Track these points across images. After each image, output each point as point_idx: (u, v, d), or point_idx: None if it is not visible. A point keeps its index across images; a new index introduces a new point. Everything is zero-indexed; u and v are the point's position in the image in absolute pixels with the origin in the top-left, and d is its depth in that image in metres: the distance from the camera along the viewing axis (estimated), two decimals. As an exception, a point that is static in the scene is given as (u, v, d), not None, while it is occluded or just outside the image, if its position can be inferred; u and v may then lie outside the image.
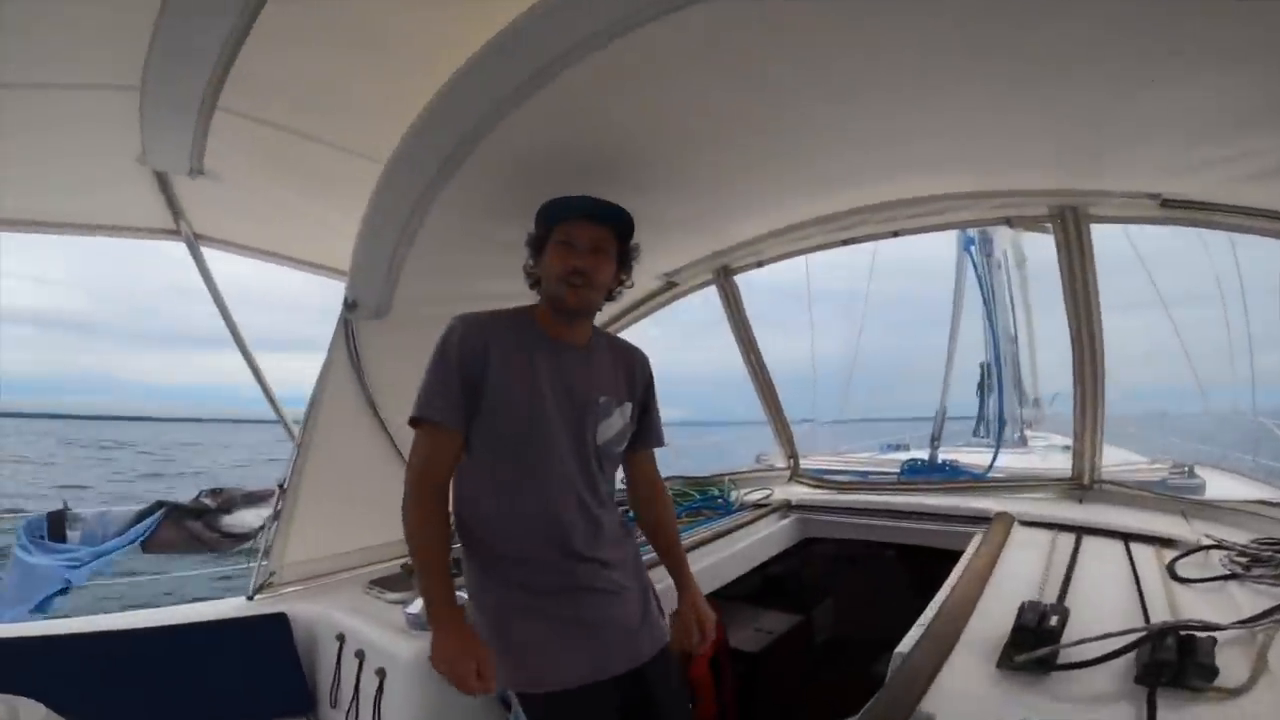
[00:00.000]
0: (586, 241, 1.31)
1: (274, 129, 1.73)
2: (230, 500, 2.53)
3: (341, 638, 1.56)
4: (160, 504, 2.43)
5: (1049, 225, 2.07)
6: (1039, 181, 1.99)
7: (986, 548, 1.72)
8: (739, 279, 2.63)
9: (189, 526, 2.42)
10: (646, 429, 1.48)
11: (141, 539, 2.31)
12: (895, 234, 2.29)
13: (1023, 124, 1.62)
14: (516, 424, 1.27)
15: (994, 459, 3.13)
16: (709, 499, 2.63)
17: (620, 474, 1.50)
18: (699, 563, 1.97)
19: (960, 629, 1.20)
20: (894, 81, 1.39)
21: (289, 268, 2.49)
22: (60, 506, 2.24)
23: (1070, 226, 2.03)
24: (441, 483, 1.25)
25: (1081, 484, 2.27)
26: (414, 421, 1.26)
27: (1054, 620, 1.10)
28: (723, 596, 2.06)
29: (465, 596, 1.46)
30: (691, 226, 2.15)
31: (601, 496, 1.36)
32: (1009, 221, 2.14)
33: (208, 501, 2.50)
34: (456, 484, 1.32)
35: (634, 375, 1.45)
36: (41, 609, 2.08)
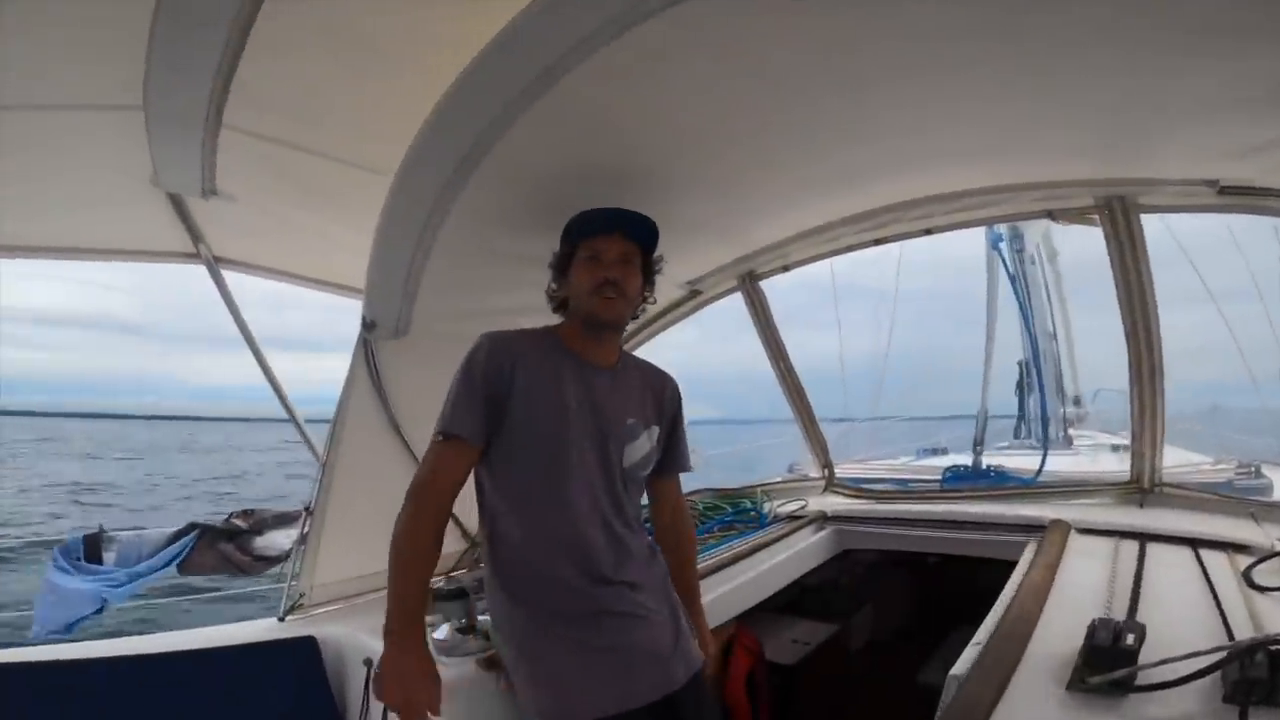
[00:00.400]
0: (615, 254, 1.29)
1: (278, 145, 1.72)
2: (261, 522, 2.53)
3: (369, 662, 1.52)
4: (193, 525, 2.43)
5: (1095, 217, 1.96)
6: (1083, 171, 1.90)
7: (1043, 558, 1.62)
8: (764, 283, 2.55)
9: (221, 549, 2.41)
10: (673, 454, 1.45)
11: (178, 561, 2.32)
12: (928, 231, 2.20)
13: (1063, 109, 1.53)
14: (542, 443, 1.24)
15: (1043, 463, 2.98)
16: (741, 512, 2.55)
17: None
18: (732, 580, 1.91)
19: (1022, 649, 1.12)
20: (917, 67, 1.32)
21: (309, 288, 2.49)
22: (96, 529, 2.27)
23: (1119, 217, 1.92)
24: (444, 496, 1.21)
25: (1141, 487, 2.14)
26: (437, 436, 1.23)
27: (1130, 638, 1.02)
28: (756, 609, 1.99)
29: (489, 619, 1.42)
30: (713, 231, 2.09)
31: (628, 518, 1.32)
32: (1051, 215, 2.03)
33: (239, 523, 2.50)
34: (483, 503, 1.29)
35: (662, 400, 1.42)
36: (72, 630, 2.08)
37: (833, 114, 1.48)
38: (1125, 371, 2.05)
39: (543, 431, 1.23)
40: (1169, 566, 1.54)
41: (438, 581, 1.52)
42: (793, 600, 2.51)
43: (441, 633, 1.45)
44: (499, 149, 1.31)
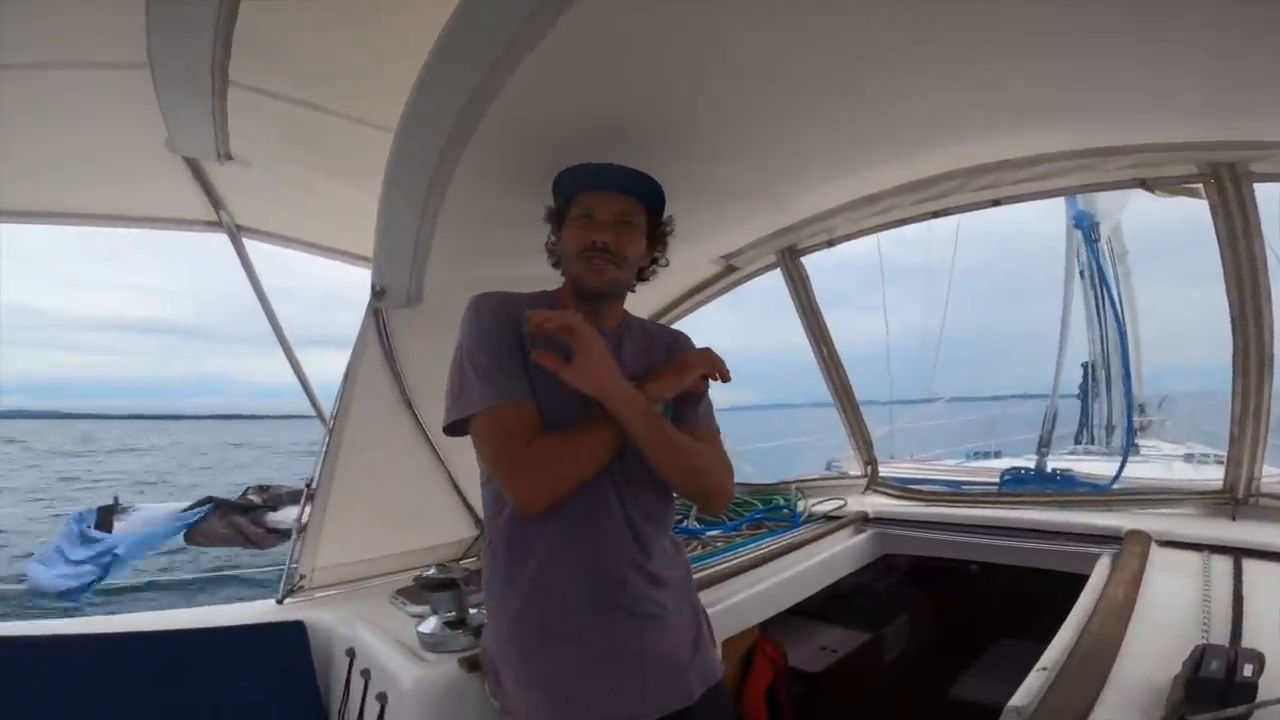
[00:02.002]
0: (609, 214, 1.14)
1: (291, 104, 1.63)
2: (276, 497, 2.51)
3: (351, 653, 1.42)
4: (209, 499, 2.42)
5: (1198, 187, 1.69)
6: (1184, 133, 1.63)
7: (1122, 573, 1.42)
8: (806, 260, 2.34)
9: (234, 521, 2.39)
10: (688, 413, 1.22)
11: (185, 530, 2.29)
12: (995, 203, 1.96)
13: (1165, 60, 1.30)
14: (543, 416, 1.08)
15: (1122, 466, 2.68)
16: (772, 509, 2.37)
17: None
18: (758, 583, 1.75)
19: (1102, 678, 0.96)
20: (991, 9, 1.11)
21: (332, 259, 2.42)
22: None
23: (1227, 186, 1.65)
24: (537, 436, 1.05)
25: (1235, 497, 1.87)
26: (453, 428, 1.08)
27: (1248, 669, 0.85)
28: (782, 612, 1.84)
29: (480, 614, 1.29)
30: (749, 199, 1.89)
31: (644, 502, 1.15)
32: (1144, 183, 1.77)
33: (254, 498, 2.49)
34: (486, 482, 1.16)
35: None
36: (74, 596, 2.07)
37: (890, 60, 1.27)
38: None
39: (545, 404, 1.08)
40: (1274, 587, 1.34)
41: (428, 570, 1.41)
42: (823, 605, 2.34)
43: (428, 626, 1.33)
44: (503, 100, 1.15)
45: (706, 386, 1.26)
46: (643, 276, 1.26)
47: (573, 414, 1.07)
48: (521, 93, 1.15)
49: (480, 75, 1.12)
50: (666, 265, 1.29)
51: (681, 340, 1.29)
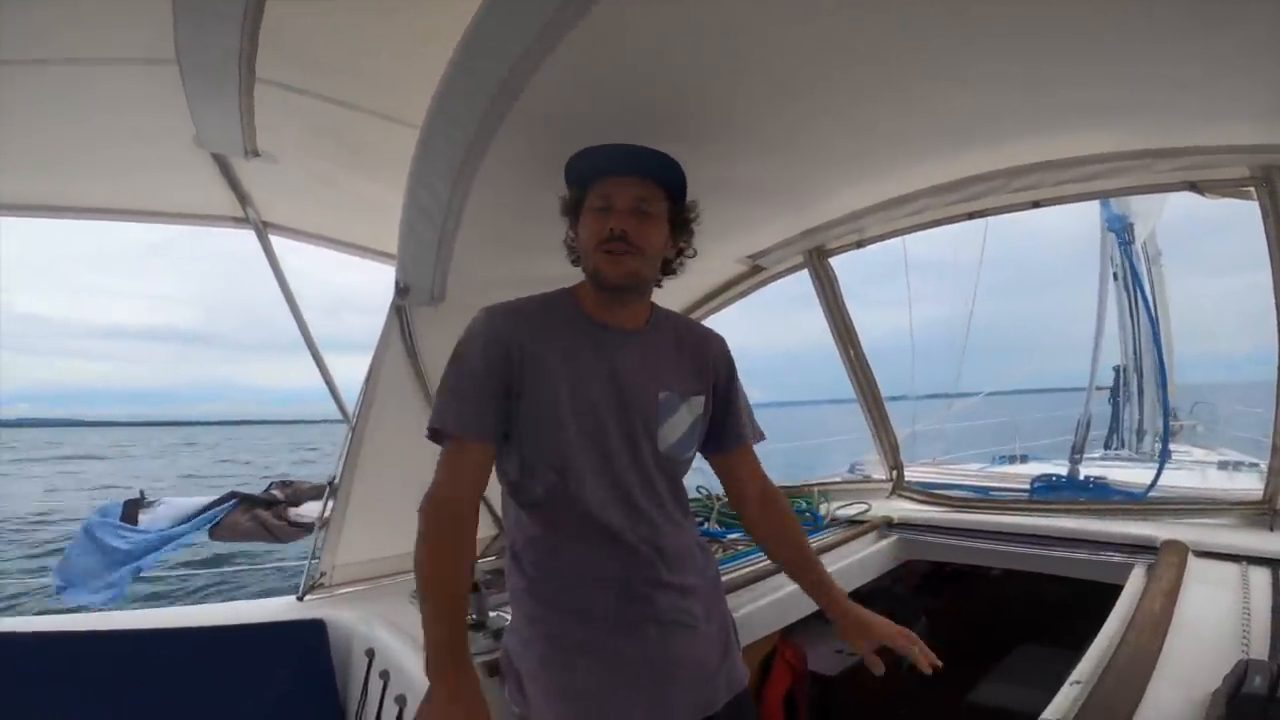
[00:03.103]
0: (626, 200, 1.07)
1: (318, 100, 1.62)
2: (299, 493, 2.51)
3: (371, 653, 1.42)
4: (232, 494, 2.44)
5: (1249, 189, 1.62)
6: (1237, 135, 1.56)
7: (1158, 585, 1.38)
8: (835, 260, 2.29)
9: (258, 515, 2.40)
10: (733, 423, 1.22)
11: (210, 525, 2.31)
12: (1036, 205, 1.89)
13: (1223, 62, 1.24)
14: (558, 428, 1.05)
15: (1158, 474, 2.61)
16: (795, 513, 2.33)
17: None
18: (778, 590, 1.71)
19: (1139, 693, 0.93)
20: (1042, 11, 1.07)
21: (358, 256, 2.42)
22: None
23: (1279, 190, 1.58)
24: (463, 510, 1.04)
25: (1275, 507, 1.81)
26: (432, 435, 1.06)
27: None
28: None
29: (500, 616, 1.28)
30: (777, 198, 1.84)
31: (667, 509, 1.12)
32: (1194, 186, 1.70)
33: (277, 493, 2.49)
34: (503, 499, 1.14)
35: (706, 362, 1.20)
36: (108, 590, 2.09)
37: (936, 61, 1.22)
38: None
39: (557, 414, 1.05)
40: None
41: None
42: None
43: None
44: (529, 94, 1.12)
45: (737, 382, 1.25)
46: (669, 270, 1.19)
47: (576, 408, 1.05)
48: (548, 86, 1.12)
49: (507, 69, 1.08)
50: (694, 256, 1.22)
51: (713, 340, 1.24)
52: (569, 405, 1.05)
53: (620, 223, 1.06)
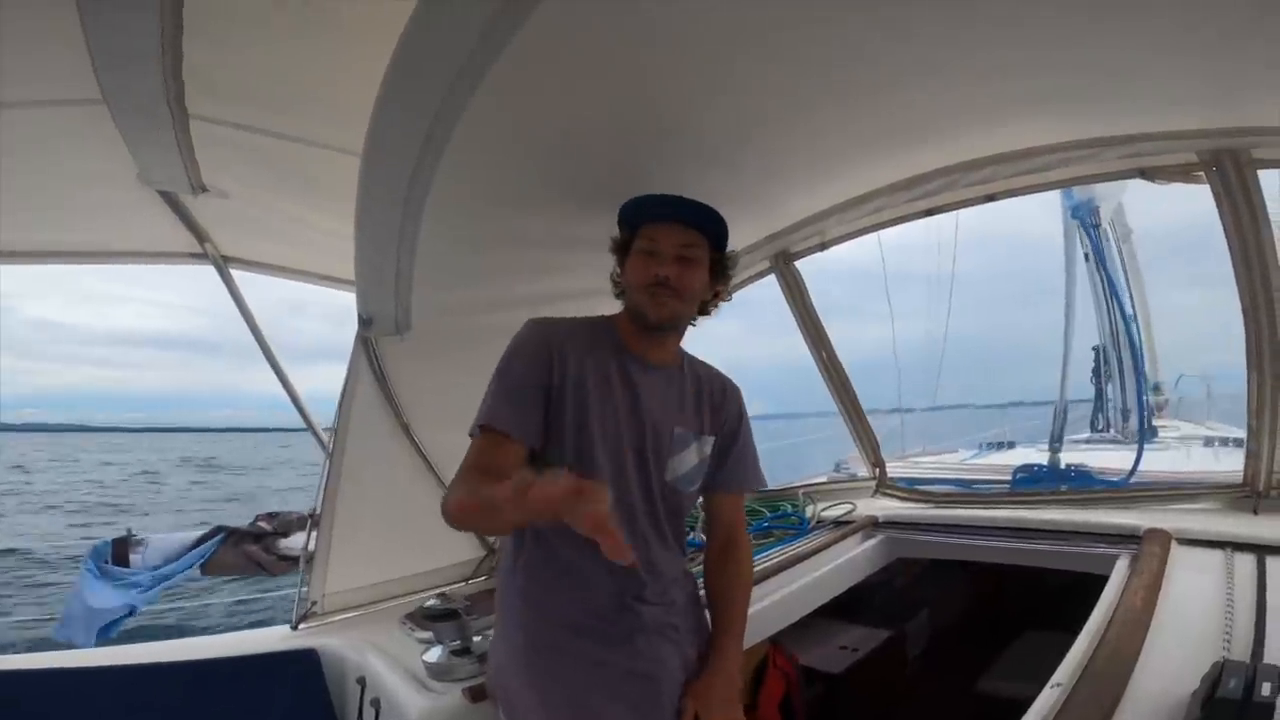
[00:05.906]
0: (672, 246, 1.16)
1: (256, 134, 1.61)
2: (286, 524, 2.51)
3: (362, 681, 1.42)
4: (220, 529, 2.44)
5: (1200, 175, 1.64)
6: (1185, 121, 1.59)
7: (1140, 578, 1.37)
8: (801, 264, 2.30)
9: (246, 550, 2.41)
10: (733, 467, 1.28)
11: (201, 562, 2.31)
12: (990, 198, 1.91)
13: (1159, 44, 1.26)
14: (580, 445, 1.11)
15: (1137, 462, 2.61)
16: (780, 516, 2.34)
17: None
18: (766, 596, 1.70)
19: (1117, 696, 0.92)
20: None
21: (321, 286, 2.42)
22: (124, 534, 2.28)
23: (1230, 174, 1.60)
24: (485, 475, 1.02)
25: (1256, 490, 1.81)
26: (474, 433, 1.09)
27: (1267, 688, 0.82)
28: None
29: (484, 641, 1.28)
30: (738, 204, 1.82)
31: (663, 532, 1.19)
32: (1144, 173, 1.71)
33: (264, 525, 2.49)
34: None
35: (722, 409, 1.28)
36: (107, 634, 2.10)
37: (874, 58, 1.24)
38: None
39: (584, 431, 1.11)
40: None
41: (430, 600, 1.40)
42: (841, 604, 2.31)
43: (433, 655, 1.32)
44: (472, 115, 1.12)
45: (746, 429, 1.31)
46: (705, 310, 1.26)
47: (596, 428, 1.11)
48: (492, 106, 1.12)
49: (444, 89, 1.08)
50: (730, 300, 1.30)
51: (730, 391, 1.30)
52: (597, 427, 1.11)
53: (666, 269, 1.14)
